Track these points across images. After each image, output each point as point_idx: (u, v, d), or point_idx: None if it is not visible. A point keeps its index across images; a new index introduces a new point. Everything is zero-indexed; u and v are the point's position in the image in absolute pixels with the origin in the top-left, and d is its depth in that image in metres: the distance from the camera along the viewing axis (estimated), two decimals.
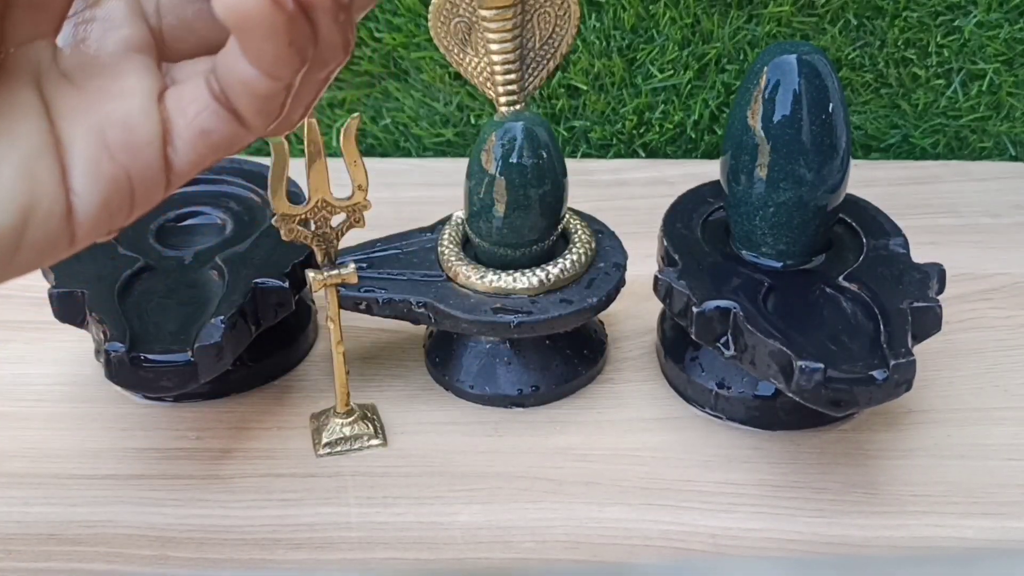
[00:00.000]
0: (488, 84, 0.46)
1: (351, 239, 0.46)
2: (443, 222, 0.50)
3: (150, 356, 0.42)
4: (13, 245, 0.24)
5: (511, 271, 0.46)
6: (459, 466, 0.45)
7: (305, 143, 0.40)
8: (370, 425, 0.46)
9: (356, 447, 0.46)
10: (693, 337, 0.43)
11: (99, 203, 0.24)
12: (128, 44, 0.26)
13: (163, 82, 0.26)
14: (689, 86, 0.68)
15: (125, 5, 0.26)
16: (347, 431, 0.46)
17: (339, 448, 0.46)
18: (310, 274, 0.43)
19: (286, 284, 0.46)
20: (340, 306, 0.44)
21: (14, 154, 0.24)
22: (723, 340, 0.43)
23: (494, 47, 0.44)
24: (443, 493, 0.44)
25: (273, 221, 0.42)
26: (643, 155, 0.70)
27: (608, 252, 0.49)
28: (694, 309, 0.43)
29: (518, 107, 0.46)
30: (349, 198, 0.42)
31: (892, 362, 0.39)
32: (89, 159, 0.24)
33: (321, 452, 0.46)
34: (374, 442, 0.46)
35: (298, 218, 0.42)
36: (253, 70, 0.23)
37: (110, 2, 0.26)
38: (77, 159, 0.24)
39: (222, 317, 0.43)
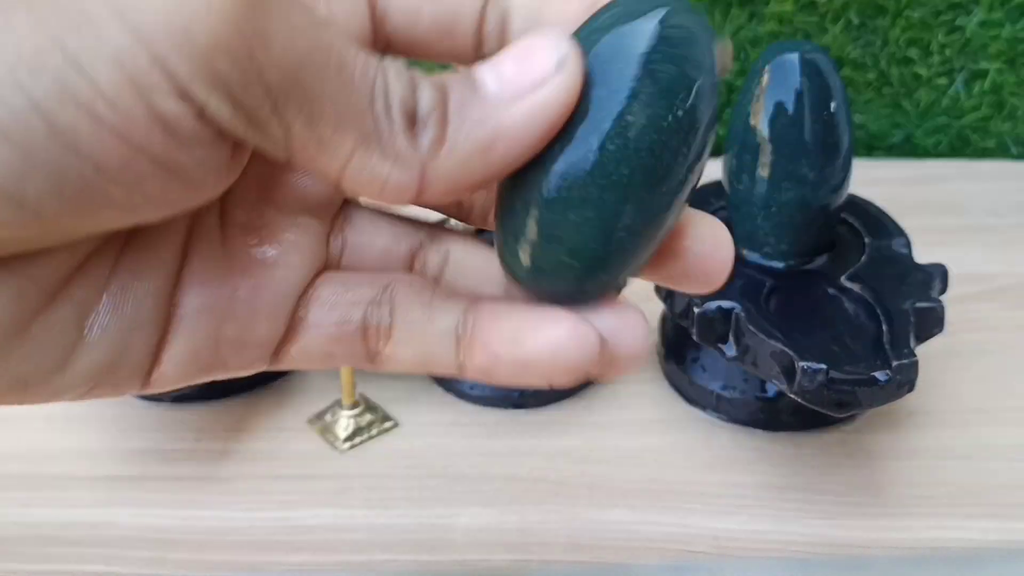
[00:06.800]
0: None
1: None
2: (443, 222, 0.50)
3: None
4: (70, 397, 0.20)
5: None
6: (460, 468, 0.45)
7: None
8: (377, 411, 0.47)
9: (375, 433, 0.46)
10: (695, 338, 0.43)
11: (179, 381, 0.21)
12: (306, 197, 0.22)
13: (325, 258, 0.23)
14: None
15: None
16: (362, 421, 0.46)
17: (359, 439, 0.46)
18: None
19: None
20: None
21: (116, 323, 0.20)
22: (725, 341, 0.43)
23: None
24: (443, 495, 0.44)
25: None
26: None
27: None
28: (695, 310, 0.43)
29: None
30: None
31: (895, 363, 0.38)
32: (192, 345, 0.21)
33: (343, 447, 0.46)
34: (388, 424, 0.47)
35: None
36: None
37: None
38: (180, 340, 0.21)
39: None
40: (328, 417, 0.47)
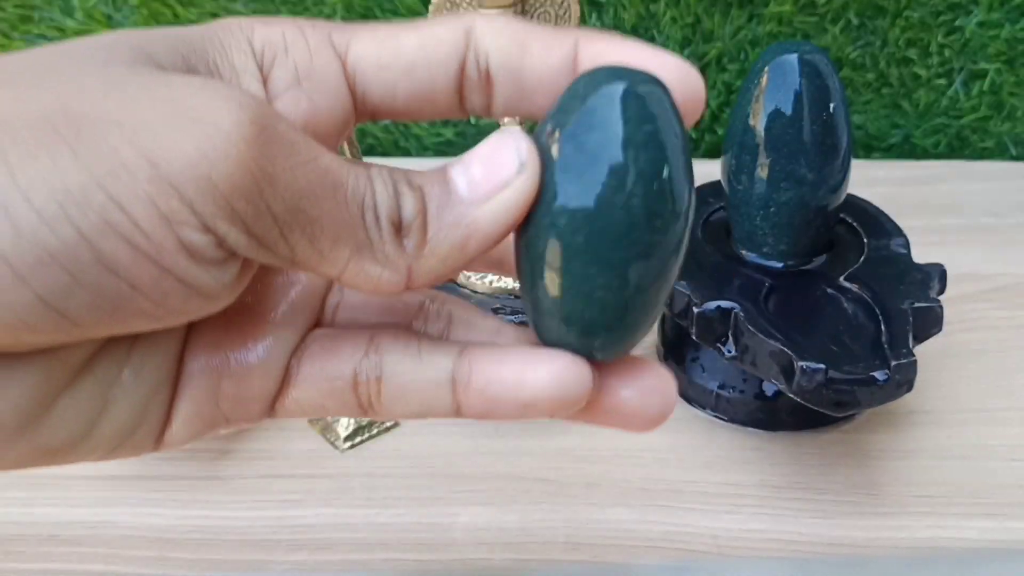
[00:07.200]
0: None
1: None
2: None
3: None
4: (92, 459, 0.22)
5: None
6: (460, 467, 0.45)
7: None
8: None
9: (376, 433, 0.46)
10: (694, 338, 0.43)
11: (189, 439, 0.23)
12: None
13: (319, 314, 0.24)
14: None
15: None
16: (362, 421, 0.47)
17: (359, 439, 0.46)
18: None
19: None
20: None
21: (137, 391, 0.22)
22: (724, 341, 0.43)
23: None
24: (444, 494, 0.44)
25: None
26: None
27: None
28: (695, 309, 0.43)
29: None
30: None
31: (893, 363, 0.39)
32: (196, 404, 0.23)
33: (344, 447, 0.46)
34: (388, 423, 0.47)
35: None
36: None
37: None
38: (186, 400, 0.23)
39: None
40: (328, 416, 0.47)
